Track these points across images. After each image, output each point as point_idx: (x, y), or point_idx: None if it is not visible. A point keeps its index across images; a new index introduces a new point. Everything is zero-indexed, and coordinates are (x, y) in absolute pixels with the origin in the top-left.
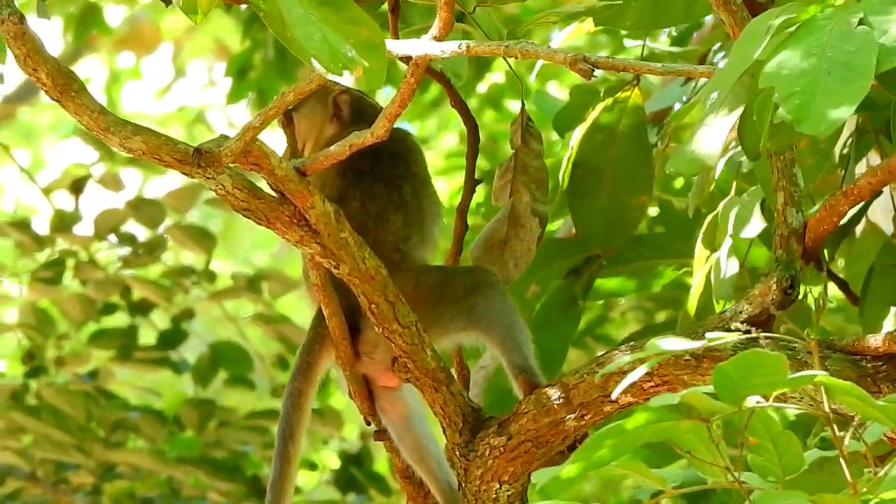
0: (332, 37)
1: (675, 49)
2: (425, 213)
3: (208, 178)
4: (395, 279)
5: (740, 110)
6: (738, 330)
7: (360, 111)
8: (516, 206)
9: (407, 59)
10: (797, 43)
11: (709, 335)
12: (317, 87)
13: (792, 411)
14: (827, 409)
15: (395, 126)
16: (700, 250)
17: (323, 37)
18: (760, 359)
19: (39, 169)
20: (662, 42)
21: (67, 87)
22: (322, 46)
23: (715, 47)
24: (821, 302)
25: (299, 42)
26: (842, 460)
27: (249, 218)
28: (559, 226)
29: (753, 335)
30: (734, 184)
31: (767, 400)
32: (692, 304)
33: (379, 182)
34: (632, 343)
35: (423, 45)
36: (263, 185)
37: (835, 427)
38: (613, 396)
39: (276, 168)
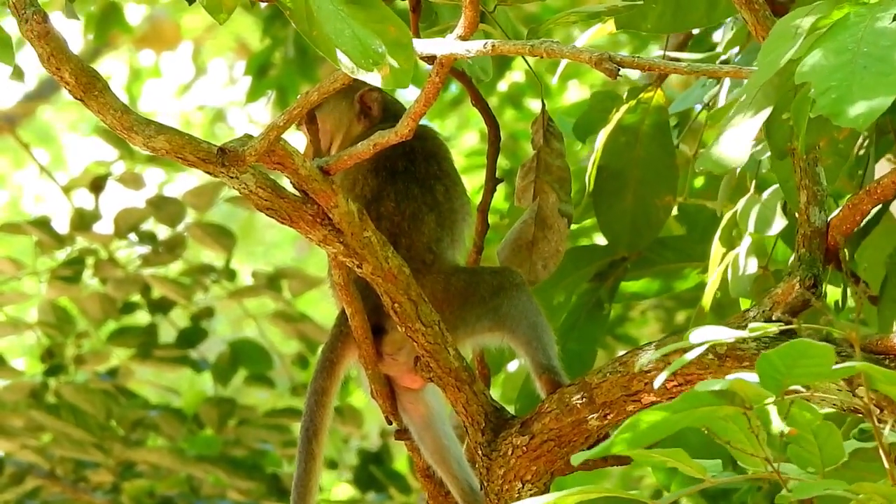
0: (361, 33)
1: (695, 55)
2: (457, 213)
3: (232, 178)
4: (426, 281)
5: (768, 111)
6: (778, 320)
7: (389, 109)
8: (543, 207)
9: (430, 59)
10: (832, 40)
11: (752, 325)
12: (341, 86)
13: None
14: (868, 399)
15: (423, 124)
16: (717, 248)
17: (353, 33)
18: (807, 348)
19: (59, 167)
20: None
21: (91, 87)
22: (353, 42)
23: (734, 50)
24: (858, 297)
25: (326, 39)
26: (881, 451)
27: (272, 217)
28: None
29: (793, 326)
30: (753, 182)
31: (807, 391)
32: (707, 300)
33: (414, 182)
34: (656, 342)
35: (449, 45)
36: (286, 183)
37: (875, 418)
38: (657, 385)
39: (300, 167)
